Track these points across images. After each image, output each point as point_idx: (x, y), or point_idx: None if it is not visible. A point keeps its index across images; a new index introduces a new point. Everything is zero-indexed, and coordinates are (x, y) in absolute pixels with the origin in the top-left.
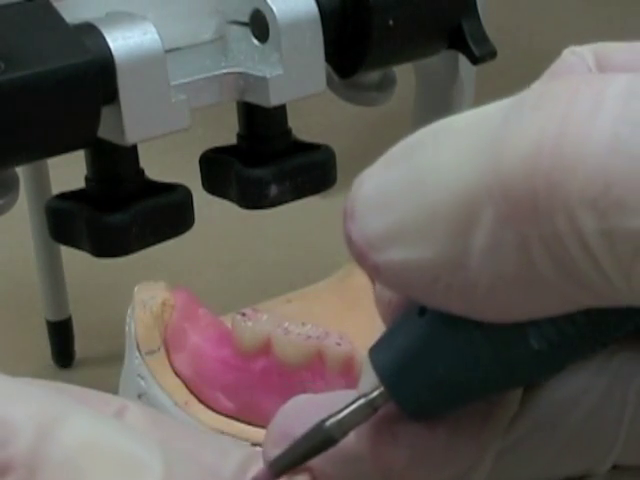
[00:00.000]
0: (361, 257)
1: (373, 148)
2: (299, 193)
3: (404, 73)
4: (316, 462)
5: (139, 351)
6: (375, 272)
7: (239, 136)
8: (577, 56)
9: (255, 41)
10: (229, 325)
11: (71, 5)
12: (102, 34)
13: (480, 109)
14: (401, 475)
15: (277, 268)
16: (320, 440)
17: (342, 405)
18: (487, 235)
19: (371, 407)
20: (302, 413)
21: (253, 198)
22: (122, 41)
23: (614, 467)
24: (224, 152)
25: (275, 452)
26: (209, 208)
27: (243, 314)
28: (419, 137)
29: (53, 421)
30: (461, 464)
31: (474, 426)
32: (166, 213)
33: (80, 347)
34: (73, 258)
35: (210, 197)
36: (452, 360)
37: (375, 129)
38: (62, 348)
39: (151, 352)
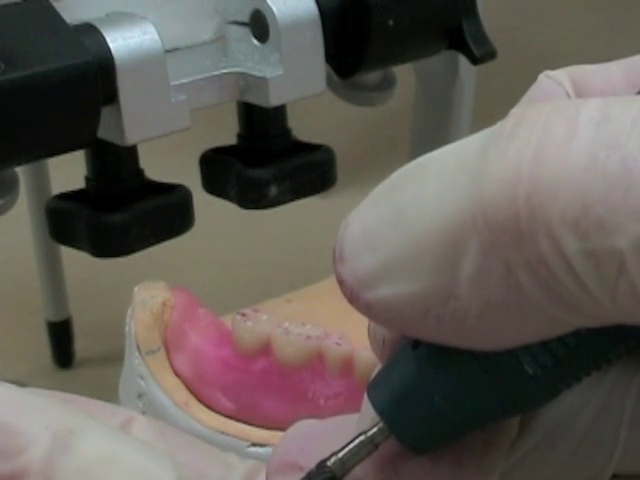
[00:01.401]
0: (353, 297)
1: (373, 148)
2: (299, 193)
3: (404, 73)
4: None
5: (139, 351)
6: (367, 310)
7: (239, 136)
8: (553, 80)
9: (255, 41)
10: (229, 325)
11: (71, 5)
12: (102, 34)
13: (460, 142)
14: None
15: (277, 268)
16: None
17: (344, 437)
18: (474, 264)
19: (372, 444)
20: (305, 442)
21: (253, 198)
22: (122, 41)
23: (614, 476)
24: (224, 152)
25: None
26: (209, 208)
27: (243, 314)
28: (401, 174)
29: (69, 433)
30: None
31: (476, 456)
32: (166, 213)
33: (80, 347)
34: (73, 258)
35: (210, 197)
36: (448, 391)
37: (375, 129)
38: (62, 348)
39: (151, 352)
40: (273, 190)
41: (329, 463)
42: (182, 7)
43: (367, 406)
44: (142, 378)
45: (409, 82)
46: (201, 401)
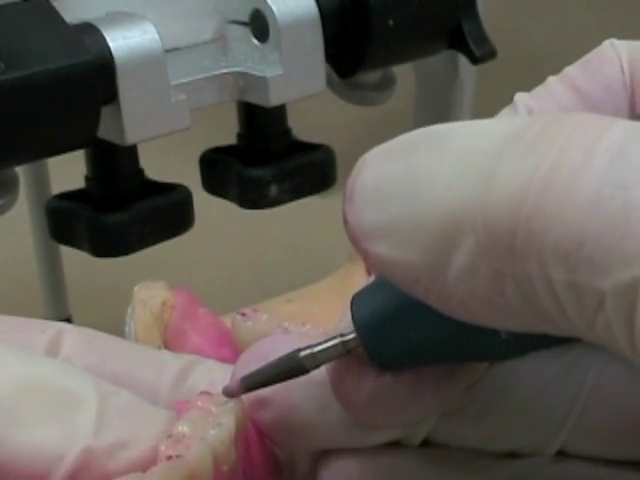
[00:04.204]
0: (354, 240)
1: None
2: (299, 193)
3: (404, 73)
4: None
5: None
6: (364, 255)
7: (239, 136)
8: (614, 50)
9: (255, 41)
10: (229, 325)
11: (71, 5)
12: (102, 34)
13: (483, 124)
14: (359, 413)
15: (277, 268)
16: (292, 367)
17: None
18: (466, 258)
19: (345, 348)
20: (279, 343)
21: (253, 198)
22: (122, 41)
23: (560, 453)
24: (224, 152)
25: (247, 370)
26: (209, 208)
27: (243, 314)
28: (421, 137)
29: None
30: (417, 414)
31: (437, 381)
32: (166, 213)
33: None
34: (73, 258)
35: (210, 197)
36: (426, 329)
37: (375, 129)
38: None
39: None
40: (273, 190)
41: (302, 354)
42: (182, 7)
43: (349, 311)
44: None
45: (409, 82)
46: None
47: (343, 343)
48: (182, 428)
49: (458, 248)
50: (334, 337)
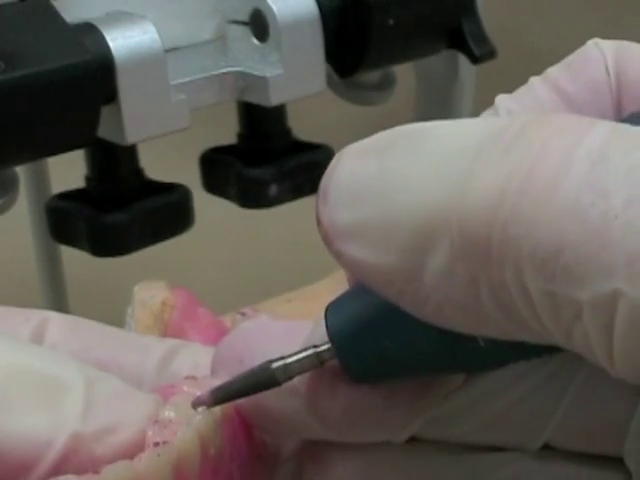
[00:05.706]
0: (327, 240)
1: None
2: (299, 193)
3: (404, 73)
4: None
5: None
6: (337, 257)
7: (239, 136)
8: (599, 49)
9: (255, 41)
10: (229, 325)
11: (71, 5)
12: (102, 34)
13: (461, 124)
14: (333, 427)
15: (277, 268)
16: (264, 379)
17: (292, 342)
18: (442, 261)
19: (318, 360)
20: (253, 339)
21: (253, 197)
22: (122, 41)
23: (546, 446)
24: (224, 152)
25: (221, 371)
26: (209, 208)
27: (243, 314)
28: (397, 136)
29: None
30: (392, 427)
31: (413, 394)
32: (166, 213)
33: None
34: (73, 258)
35: (210, 197)
36: (400, 339)
37: (375, 129)
38: None
39: None
40: (273, 190)
41: (274, 365)
42: (182, 6)
43: (322, 321)
44: None
45: (409, 82)
46: None
47: (317, 354)
48: (168, 413)
49: (433, 251)
50: (307, 348)
